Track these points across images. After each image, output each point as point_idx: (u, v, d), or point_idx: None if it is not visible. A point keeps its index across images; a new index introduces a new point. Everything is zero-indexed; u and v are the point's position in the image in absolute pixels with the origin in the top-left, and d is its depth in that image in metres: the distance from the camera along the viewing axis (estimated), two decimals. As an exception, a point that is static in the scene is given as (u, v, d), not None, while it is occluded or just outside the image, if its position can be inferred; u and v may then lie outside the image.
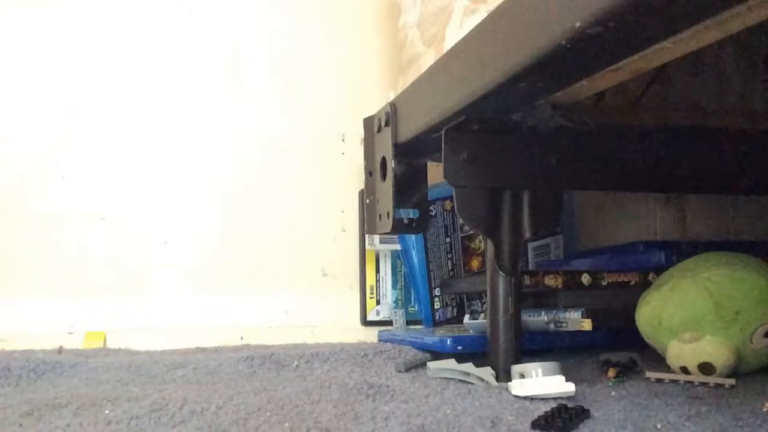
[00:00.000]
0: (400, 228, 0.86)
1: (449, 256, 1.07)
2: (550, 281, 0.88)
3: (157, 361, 0.79)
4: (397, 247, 1.06)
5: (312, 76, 1.12)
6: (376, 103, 0.89)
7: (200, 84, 1.08)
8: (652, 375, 0.74)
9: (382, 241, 1.07)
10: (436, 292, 1.05)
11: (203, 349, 0.92)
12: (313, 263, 1.09)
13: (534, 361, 0.69)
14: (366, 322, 1.08)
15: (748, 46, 0.82)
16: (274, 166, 1.09)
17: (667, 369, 0.76)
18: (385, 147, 0.83)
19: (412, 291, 1.07)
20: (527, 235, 0.75)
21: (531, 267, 1.08)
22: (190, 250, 1.05)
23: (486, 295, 0.76)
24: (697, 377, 0.72)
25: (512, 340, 0.73)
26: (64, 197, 1.03)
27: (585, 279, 0.88)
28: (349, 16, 1.14)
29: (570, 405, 0.59)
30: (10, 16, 1.03)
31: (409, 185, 0.84)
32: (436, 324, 1.05)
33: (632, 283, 0.89)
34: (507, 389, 0.66)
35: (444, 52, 0.70)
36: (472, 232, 1.09)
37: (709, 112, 0.82)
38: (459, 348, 0.84)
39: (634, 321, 0.82)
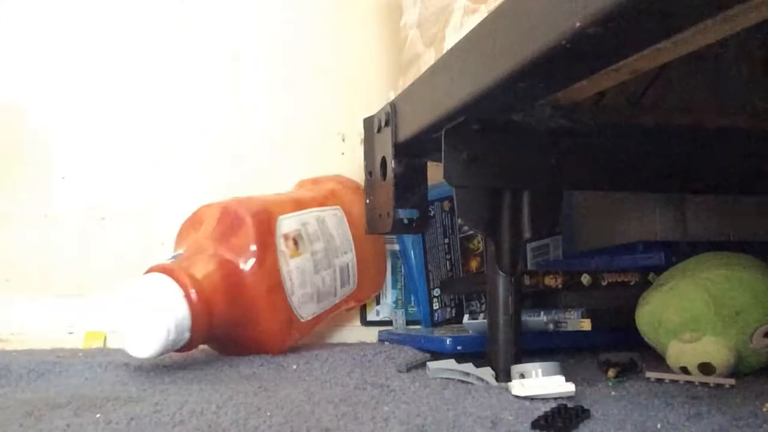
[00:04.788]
0: (399, 228, 0.86)
1: (448, 256, 1.07)
2: (550, 281, 0.88)
3: (157, 361, 0.79)
4: (397, 247, 1.06)
5: (312, 76, 1.12)
6: (376, 103, 0.89)
7: (200, 84, 1.08)
8: (652, 375, 0.74)
9: (381, 241, 1.07)
10: (435, 292, 1.05)
11: (203, 350, 0.91)
12: (313, 263, 1.09)
13: (534, 361, 0.69)
14: (366, 322, 1.08)
15: (748, 46, 0.82)
16: (274, 166, 1.09)
17: (667, 369, 0.76)
18: (385, 147, 0.83)
19: (411, 291, 1.07)
20: (527, 235, 0.75)
21: (531, 267, 1.08)
22: (190, 250, 1.05)
23: (485, 296, 0.76)
24: (697, 377, 0.72)
25: (512, 340, 0.73)
26: (64, 197, 1.03)
27: (585, 279, 0.88)
28: (349, 16, 1.14)
29: (570, 405, 0.59)
30: (16, 23, 1.03)
31: (409, 185, 0.84)
32: (435, 324, 1.05)
33: (632, 283, 0.89)
34: (507, 389, 0.66)
35: (444, 52, 0.70)
36: (470, 232, 1.08)
37: (709, 112, 0.82)
38: (459, 348, 0.84)
39: (634, 321, 0.82)
